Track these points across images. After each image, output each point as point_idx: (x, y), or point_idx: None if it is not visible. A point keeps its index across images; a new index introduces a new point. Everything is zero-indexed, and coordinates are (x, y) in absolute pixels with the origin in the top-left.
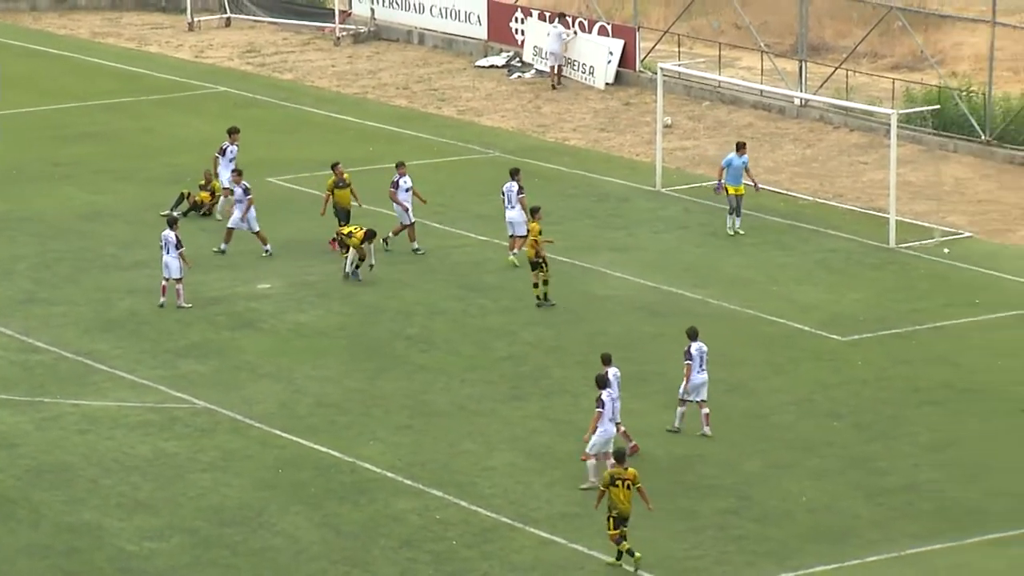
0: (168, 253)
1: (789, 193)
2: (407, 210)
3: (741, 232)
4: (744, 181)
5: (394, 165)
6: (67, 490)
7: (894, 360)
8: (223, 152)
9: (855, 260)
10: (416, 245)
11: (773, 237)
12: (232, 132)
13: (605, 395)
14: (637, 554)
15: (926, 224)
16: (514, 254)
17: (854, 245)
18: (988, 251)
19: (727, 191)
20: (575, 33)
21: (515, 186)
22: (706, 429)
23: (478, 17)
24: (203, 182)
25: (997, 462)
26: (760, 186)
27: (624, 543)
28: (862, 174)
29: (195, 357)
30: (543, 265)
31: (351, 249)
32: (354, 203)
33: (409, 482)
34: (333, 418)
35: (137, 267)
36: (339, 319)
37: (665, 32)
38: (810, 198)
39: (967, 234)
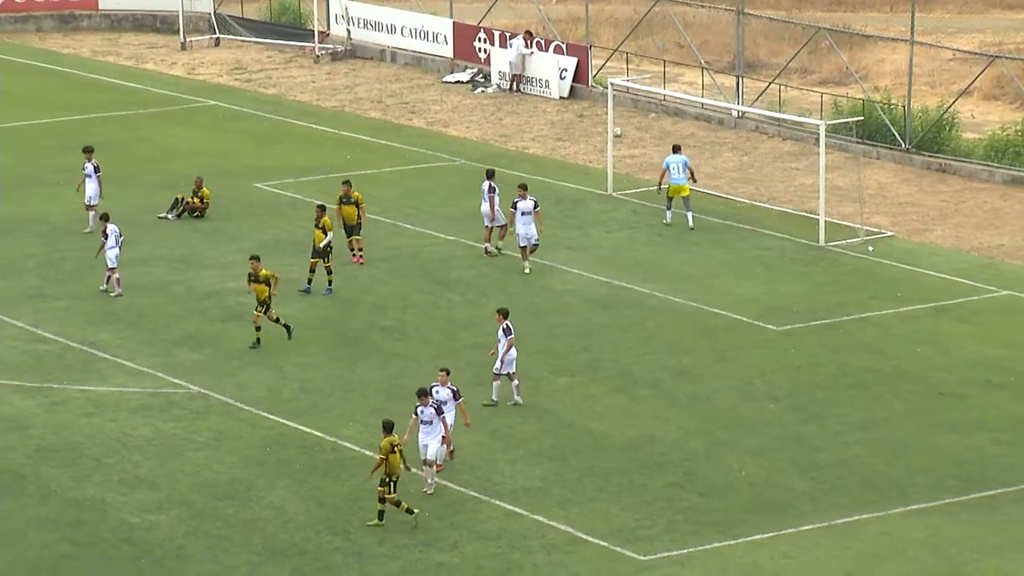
0: (116, 245)
1: (728, 197)
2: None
3: (691, 227)
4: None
5: (518, 186)
6: (74, 468)
7: (824, 348)
8: (86, 169)
9: (788, 257)
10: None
11: (714, 236)
12: (87, 151)
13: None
14: (416, 511)
15: (852, 224)
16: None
17: (787, 244)
18: (908, 249)
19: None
20: (532, 52)
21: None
22: (517, 399)
23: (445, 37)
24: (195, 188)
25: (918, 440)
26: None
27: (389, 501)
28: (794, 179)
29: (190, 346)
30: (269, 303)
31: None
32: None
33: None
34: (316, 401)
35: (133, 264)
36: (321, 312)
37: (615, 51)
38: (747, 201)
39: (889, 233)
